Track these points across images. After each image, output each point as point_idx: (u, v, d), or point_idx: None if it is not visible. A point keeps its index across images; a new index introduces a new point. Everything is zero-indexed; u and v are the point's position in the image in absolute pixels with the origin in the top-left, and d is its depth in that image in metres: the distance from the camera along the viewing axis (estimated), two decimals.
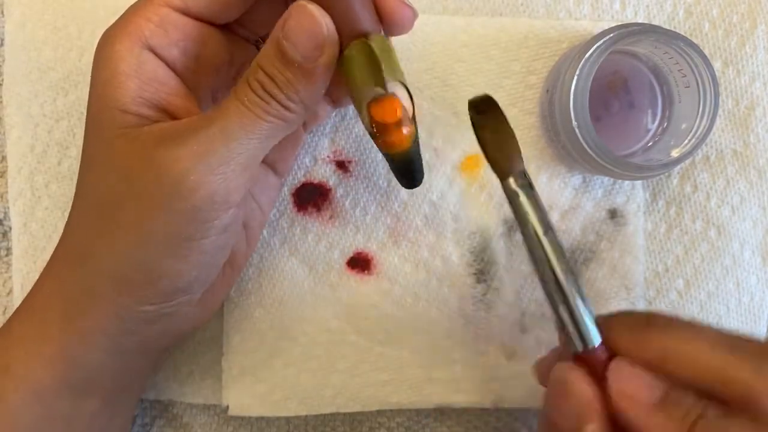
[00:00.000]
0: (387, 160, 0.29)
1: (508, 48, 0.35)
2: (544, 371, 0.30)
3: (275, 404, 0.35)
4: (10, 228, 0.35)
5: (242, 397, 0.35)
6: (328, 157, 0.35)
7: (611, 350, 0.27)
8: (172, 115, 0.27)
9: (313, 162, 0.35)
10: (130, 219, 0.26)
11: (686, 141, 0.32)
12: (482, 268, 0.35)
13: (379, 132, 0.27)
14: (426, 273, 0.35)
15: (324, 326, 0.35)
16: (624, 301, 0.35)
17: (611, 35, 0.31)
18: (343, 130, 0.35)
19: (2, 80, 0.35)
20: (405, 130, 0.27)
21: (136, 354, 0.29)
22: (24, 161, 0.35)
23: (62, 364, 0.27)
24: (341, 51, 0.26)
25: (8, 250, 0.36)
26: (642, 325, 0.26)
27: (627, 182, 0.35)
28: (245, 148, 0.25)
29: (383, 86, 0.26)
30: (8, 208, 0.35)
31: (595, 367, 0.26)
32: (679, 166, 0.35)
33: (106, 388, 0.29)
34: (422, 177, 0.31)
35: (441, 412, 0.37)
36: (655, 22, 0.36)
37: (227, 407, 0.35)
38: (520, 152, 0.27)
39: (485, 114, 0.27)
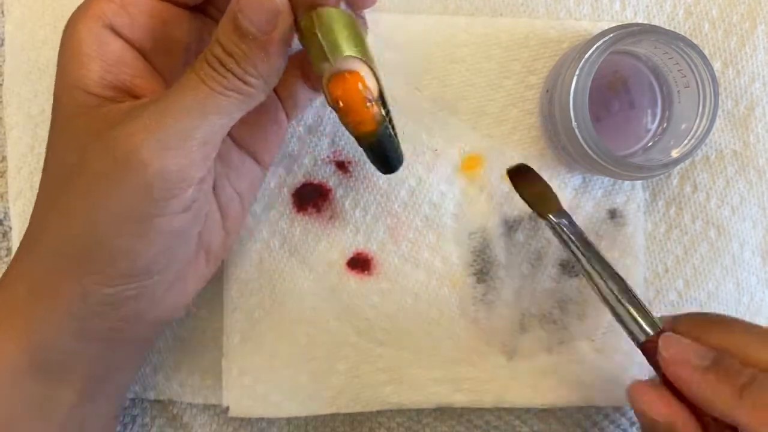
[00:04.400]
0: (357, 143, 0.28)
1: (509, 48, 0.35)
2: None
3: (275, 405, 0.35)
4: (10, 228, 0.35)
5: (242, 397, 0.35)
6: (327, 157, 0.35)
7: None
8: (136, 97, 0.27)
9: (313, 162, 0.35)
10: (80, 194, 0.26)
11: (686, 141, 0.32)
12: (482, 268, 0.35)
13: (340, 111, 0.26)
14: (426, 273, 0.35)
15: (324, 327, 0.35)
16: None
17: (611, 35, 0.31)
18: (343, 130, 0.35)
19: (2, 80, 0.35)
20: (369, 110, 0.26)
21: (107, 342, 0.29)
22: (24, 161, 0.35)
23: (29, 344, 0.27)
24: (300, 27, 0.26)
25: (8, 250, 0.36)
26: (706, 323, 0.29)
27: (627, 182, 0.35)
28: (201, 122, 0.25)
29: (333, 60, 0.25)
30: (8, 208, 0.35)
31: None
32: (678, 167, 0.36)
33: (81, 376, 0.29)
34: (399, 162, 0.29)
35: (442, 412, 0.37)
36: (655, 23, 0.36)
37: (227, 408, 0.35)
38: (554, 197, 0.33)
39: (521, 174, 0.33)
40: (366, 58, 0.26)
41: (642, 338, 0.29)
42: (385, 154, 0.29)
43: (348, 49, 0.26)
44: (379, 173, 0.35)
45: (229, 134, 0.31)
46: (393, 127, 0.28)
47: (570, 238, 0.31)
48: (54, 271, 0.27)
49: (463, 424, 0.37)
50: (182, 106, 0.25)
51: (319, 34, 0.25)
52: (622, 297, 0.30)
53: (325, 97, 0.26)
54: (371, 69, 0.26)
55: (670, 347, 0.28)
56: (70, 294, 0.27)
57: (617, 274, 0.30)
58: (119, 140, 0.24)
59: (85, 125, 0.26)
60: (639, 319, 0.30)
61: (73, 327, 0.27)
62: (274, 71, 0.26)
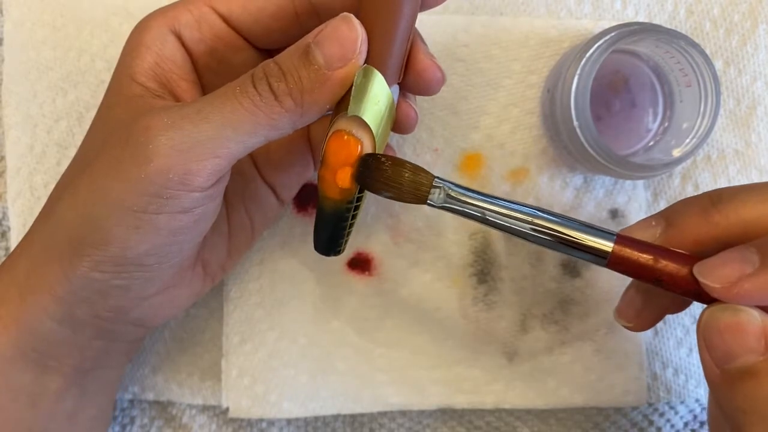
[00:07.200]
0: (317, 202, 0.28)
1: (509, 47, 0.35)
2: (630, 311, 0.29)
3: (275, 406, 0.35)
4: (9, 228, 0.35)
5: (242, 398, 0.35)
6: None
7: (678, 236, 0.26)
8: (177, 98, 0.28)
9: None
10: (91, 176, 0.26)
11: (687, 140, 0.32)
12: (483, 269, 0.35)
13: (323, 161, 0.26)
14: (427, 274, 0.35)
15: (324, 327, 0.35)
16: None
17: (612, 34, 0.31)
18: None
19: (1, 80, 0.35)
20: (346, 182, 0.26)
21: (93, 331, 0.29)
22: (23, 161, 0.35)
23: (17, 331, 0.27)
24: None
25: (7, 250, 0.36)
26: (707, 203, 0.26)
27: (628, 182, 0.35)
28: (217, 135, 0.25)
29: (349, 113, 0.25)
30: (7, 208, 0.35)
31: (640, 249, 0.25)
32: (680, 166, 0.35)
33: (68, 366, 0.29)
34: (333, 251, 0.29)
35: (443, 413, 0.36)
36: (656, 22, 0.36)
37: (227, 409, 0.35)
38: (413, 174, 0.26)
39: (370, 174, 0.26)
40: (376, 141, 0.26)
41: (606, 255, 0.26)
42: (329, 231, 0.28)
43: (368, 118, 0.25)
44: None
45: (256, 166, 0.32)
46: (352, 219, 0.28)
47: (479, 197, 0.26)
48: (50, 248, 0.27)
49: (464, 425, 0.36)
50: (204, 115, 0.25)
51: (354, 84, 0.25)
52: (564, 226, 0.26)
53: (323, 142, 0.26)
54: (372, 150, 0.26)
55: (708, 273, 0.24)
56: (56, 274, 0.27)
57: (539, 208, 0.26)
58: (135, 130, 0.25)
59: (120, 113, 0.27)
60: (593, 239, 0.26)
61: (59, 312, 0.27)
62: (315, 108, 0.26)
